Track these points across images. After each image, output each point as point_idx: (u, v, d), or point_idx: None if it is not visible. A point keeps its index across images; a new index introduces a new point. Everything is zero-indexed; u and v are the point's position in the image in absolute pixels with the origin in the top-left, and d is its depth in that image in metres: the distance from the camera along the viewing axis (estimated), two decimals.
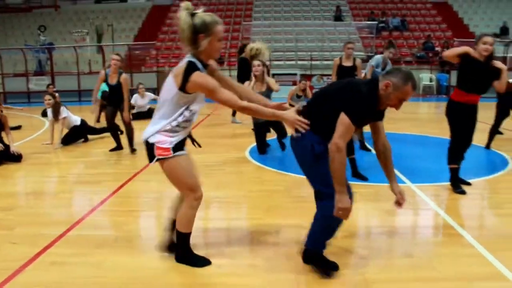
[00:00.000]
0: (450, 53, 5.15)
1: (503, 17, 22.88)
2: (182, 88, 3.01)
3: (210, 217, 4.59)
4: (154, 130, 3.15)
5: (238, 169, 6.43)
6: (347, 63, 7.25)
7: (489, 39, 4.96)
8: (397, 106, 3.02)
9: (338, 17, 22.41)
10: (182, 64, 3.05)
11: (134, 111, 11.48)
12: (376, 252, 3.69)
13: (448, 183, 5.38)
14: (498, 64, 5.10)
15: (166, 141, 3.13)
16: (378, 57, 7.92)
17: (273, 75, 17.11)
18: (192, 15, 3.01)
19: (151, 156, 3.20)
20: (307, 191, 5.30)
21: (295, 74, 17.64)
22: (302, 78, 13.14)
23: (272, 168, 6.37)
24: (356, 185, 5.55)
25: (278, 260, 3.53)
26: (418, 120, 12.03)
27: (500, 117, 7.81)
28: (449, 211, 4.64)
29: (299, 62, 18.99)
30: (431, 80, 18.59)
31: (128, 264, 3.50)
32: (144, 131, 3.23)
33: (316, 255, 3.26)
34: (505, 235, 4.02)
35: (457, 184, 5.27)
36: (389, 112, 3.59)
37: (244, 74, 9.09)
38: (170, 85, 3.07)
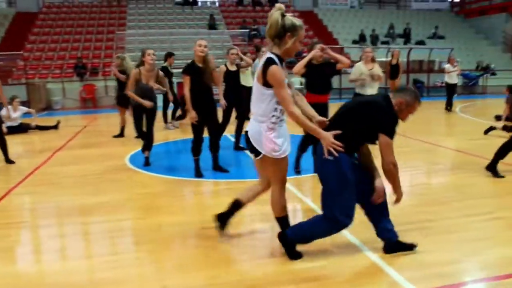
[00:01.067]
0: (297, 68, 6.06)
1: (361, 26, 25.27)
2: (265, 83, 3.43)
3: (96, 221, 4.76)
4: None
5: (119, 176, 6.59)
6: (232, 68, 7.84)
7: (320, 46, 6.03)
8: (405, 119, 3.56)
9: (212, 26, 23.07)
10: (262, 61, 3.47)
11: (5, 124, 10.91)
12: (259, 235, 4.21)
13: (313, 175, 6.16)
14: (327, 52, 6.14)
15: None
16: (256, 62, 8.62)
17: None
18: (283, 16, 3.41)
19: None
20: (188, 189, 5.72)
21: (172, 83, 17.83)
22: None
23: (152, 173, 6.64)
24: (228, 182, 6.08)
25: (161, 253, 3.89)
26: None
27: None
28: (315, 199, 5.33)
29: (175, 70, 19.21)
30: (301, 84, 19.87)
31: (14, 272, 3.61)
32: None
33: (291, 244, 3.68)
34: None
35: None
36: None
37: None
38: (255, 86, 3.54)
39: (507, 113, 11.74)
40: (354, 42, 23.98)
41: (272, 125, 3.52)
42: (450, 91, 14.56)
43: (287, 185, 5.75)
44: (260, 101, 3.52)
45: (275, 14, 3.42)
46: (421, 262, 3.56)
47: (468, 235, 4.13)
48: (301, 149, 6.39)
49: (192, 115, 6.03)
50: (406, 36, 25.25)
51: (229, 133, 10.07)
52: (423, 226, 4.30)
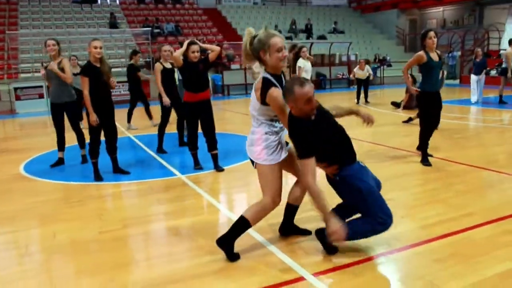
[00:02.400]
0: (176, 55, 6.19)
1: (264, 22, 25.71)
2: (263, 102, 3.33)
3: None
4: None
5: (11, 185, 6.18)
6: (168, 66, 7.67)
7: (196, 47, 6.12)
8: (311, 111, 3.25)
9: (113, 24, 22.32)
10: (259, 80, 3.35)
11: None
12: (159, 233, 4.16)
13: (212, 171, 6.24)
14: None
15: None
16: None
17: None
18: (254, 37, 3.32)
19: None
20: (86, 194, 5.51)
21: (139, 80, 17.01)
22: None
23: (48, 180, 6.30)
24: (128, 184, 5.96)
25: (54, 262, 3.72)
26: None
27: None
28: (215, 195, 5.36)
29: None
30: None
31: None
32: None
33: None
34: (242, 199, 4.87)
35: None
36: None
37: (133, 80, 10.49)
38: (254, 100, 3.41)
39: (405, 102, 12.58)
40: None
41: (268, 129, 3.44)
42: (360, 85, 14.96)
43: (188, 181, 5.82)
44: (252, 114, 3.47)
45: (245, 40, 3.38)
46: (316, 248, 3.68)
47: None
48: (193, 147, 6.45)
49: (93, 118, 5.84)
50: (308, 31, 26.12)
51: (133, 134, 9.86)
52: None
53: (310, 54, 13.67)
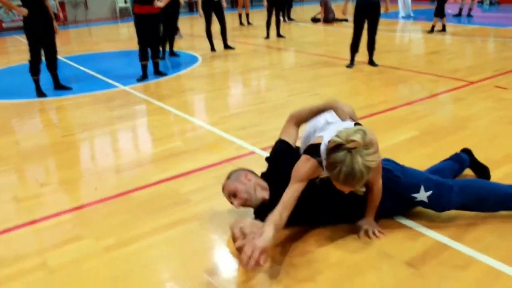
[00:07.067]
0: None
1: None
2: None
3: None
4: None
5: None
6: None
7: None
8: None
9: None
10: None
11: None
12: (121, 132, 4.60)
13: (151, 81, 6.78)
14: None
15: None
16: None
17: None
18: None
19: None
20: (32, 109, 5.65)
21: None
22: None
23: None
24: (73, 97, 6.22)
25: (26, 162, 4.04)
26: (118, 40, 12.61)
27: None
28: (160, 99, 5.79)
29: None
30: (126, 2, 19.18)
31: None
32: None
33: None
34: (185, 100, 5.38)
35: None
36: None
37: None
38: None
39: (323, 15, 13.19)
40: None
41: None
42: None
43: (132, 91, 6.17)
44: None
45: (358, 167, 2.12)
46: (261, 131, 4.31)
47: (292, 109, 5.00)
48: (145, 57, 6.82)
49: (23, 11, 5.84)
50: None
51: (61, 55, 9.78)
52: (258, 108, 5.10)
53: None
